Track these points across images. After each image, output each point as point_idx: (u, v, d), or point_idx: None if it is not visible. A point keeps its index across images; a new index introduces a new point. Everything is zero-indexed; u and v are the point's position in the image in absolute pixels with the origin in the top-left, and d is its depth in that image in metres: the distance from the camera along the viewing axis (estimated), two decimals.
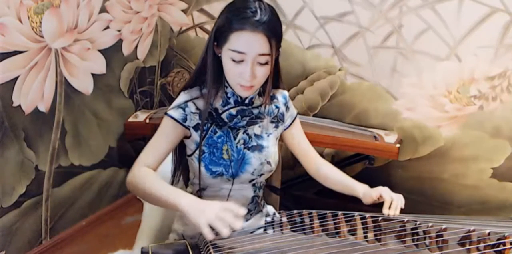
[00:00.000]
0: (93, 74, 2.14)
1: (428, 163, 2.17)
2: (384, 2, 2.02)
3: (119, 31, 2.23)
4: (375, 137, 2.09)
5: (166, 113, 1.25)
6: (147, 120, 2.32)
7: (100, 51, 2.15)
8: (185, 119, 1.24)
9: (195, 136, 1.26)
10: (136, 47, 2.37)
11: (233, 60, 1.16)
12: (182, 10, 2.48)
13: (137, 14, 2.32)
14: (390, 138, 2.08)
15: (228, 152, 1.26)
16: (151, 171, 1.21)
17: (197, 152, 1.26)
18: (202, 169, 1.26)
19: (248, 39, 1.13)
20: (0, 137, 1.78)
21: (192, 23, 2.49)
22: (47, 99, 1.94)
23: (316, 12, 2.16)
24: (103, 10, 2.11)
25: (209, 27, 2.45)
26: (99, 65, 2.17)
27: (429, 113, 2.10)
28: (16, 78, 1.79)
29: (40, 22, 1.83)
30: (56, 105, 1.98)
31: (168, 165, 1.50)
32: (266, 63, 1.17)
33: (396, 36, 2.06)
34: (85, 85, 2.11)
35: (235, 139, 1.28)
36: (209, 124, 1.26)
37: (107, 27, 2.15)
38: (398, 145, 2.03)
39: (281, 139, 1.42)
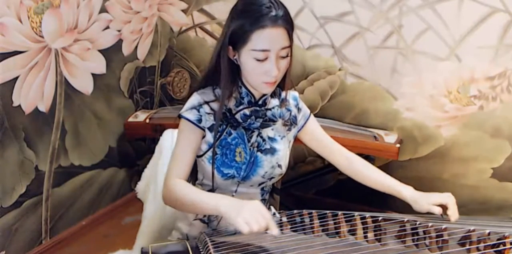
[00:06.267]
0: (93, 74, 2.14)
1: (428, 163, 2.17)
2: (384, 2, 2.03)
3: (119, 31, 2.23)
4: (375, 137, 2.09)
5: (180, 116, 1.24)
6: (147, 120, 2.32)
7: (100, 51, 2.15)
8: (200, 120, 1.23)
9: (209, 136, 1.24)
10: (136, 47, 2.37)
11: (257, 60, 1.14)
12: (182, 10, 2.48)
13: (137, 14, 2.32)
14: (390, 138, 2.08)
15: (241, 155, 1.26)
16: (183, 181, 1.21)
17: (209, 153, 1.25)
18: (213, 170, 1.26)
19: (270, 36, 1.12)
20: (0, 137, 1.78)
21: (192, 23, 2.49)
22: (47, 99, 1.94)
23: (316, 12, 2.16)
24: (103, 10, 2.11)
25: (209, 27, 2.45)
26: (99, 65, 2.17)
27: (429, 113, 2.10)
28: (16, 78, 1.79)
29: (40, 22, 1.83)
30: (56, 105, 1.98)
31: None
32: (287, 55, 1.17)
33: (396, 36, 2.06)
34: (85, 85, 2.11)
35: (249, 141, 1.27)
36: (224, 126, 1.25)
37: (107, 27, 2.15)
38: (398, 145, 2.03)
39: (300, 141, 1.41)
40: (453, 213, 1.20)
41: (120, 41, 2.25)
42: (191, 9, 2.46)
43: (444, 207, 1.23)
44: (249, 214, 1.00)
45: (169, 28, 2.54)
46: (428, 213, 1.24)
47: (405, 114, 2.15)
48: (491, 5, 1.86)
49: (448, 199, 1.23)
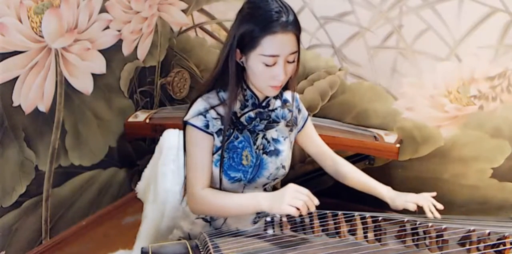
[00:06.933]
0: (93, 74, 2.14)
1: (428, 163, 2.17)
2: (384, 2, 2.03)
3: (119, 31, 2.23)
4: (375, 137, 2.09)
5: (187, 122, 1.23)
6: (147, 120, 2.32)
7: (100, 51, 2.15)
8: (207, 126, 1.22)
9: (217, 140, 1.24)
10: (136, 47, 2.37)
11: (266, 65, 1.14)
12: (182, 10, 2.48)
13: (137, 14, 2.32)
14: (390, 138, 2.08)
15: (248, 158, 1.26)
16: (210, 190, 1.23)
17: (215, 156, 1.25)
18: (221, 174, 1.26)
19: (280, 42, 1.12)
20: (0, 137, 1.78)
21: (192, 23, 2.49)
22: (47, 99, 1.94)
23: (316, 12, 2.16)
24: (103, 10, 2.11)
25: (209, 27, 2.45)
26: (99, 65, 2.17)
27: (429, 113, 2.10)
28: (16, 78, 1.79)
29: (40, 22, 1.83)
30: (56, 105, 1.98)
31: (168, 164, 1.51)
32: (294, 60, 1.18)
33: (396, 36, 2.06)
34: (85, 85, 2.11)
35: (254, 144, 1.27)
36: (231, 130, 1.25)
37: (107, 27, 2.15)
38: (398, 145, 2.03)
39: (295, 141, 1.42)
40: (430, 216, 1.24)
41: (120, 41, 2.25)
42: (191, 9, 2.46)
43: (422, 209, 1.26)
44: (290, 197, 1.07)
45: (169, 28, 2.54)
46: (404, 209, 1.28)
47: (405, 115, 2.15)
48: (491, 5, 1.86)
49: (423, 201, 1.27)
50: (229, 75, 1.20)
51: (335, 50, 2.19)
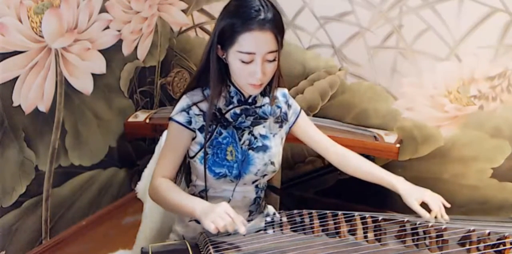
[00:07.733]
0: (93, 74, 2.14)
1: (428, 163, 2.17)
2: (384, 2, 2.02)
3: (119, 31, 2.23)
4: (375, 137, 2.09)
5: (170, 118, 1.26)
6: (147, 120, 2.32)
7: (100, 51, 2.15)
8: (190, 122, 1.25)
9: (200, 137, 1.26)
10: (136, 47, 2.37)
11: (243, 61, 1.15)
12: (182, 10, 2.48)
13: (137, 14, 2.32)
14: (390, 138, 2.08)
15: (232, 153, 1.27)
16: (167, 181, 1.23)
17: (200, 153, 1.26)
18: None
19: (256, 39, 1.13)
20: (0, 137, 1.78)
21: (192, 23, 2.49)
22: (47, 99, 1.94)
23: (316, 12, 2.16)
24: (103, 10, 2.11)
25: (209, 27, 2.45)
26: (99, 65, 2.17)
27: (429, 113, 2.10)
28: (16, 78, 1.79)
29: (40, 22, 1.83)
30: (56, 105, 1.98)
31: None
32: (274, 59, 1.18)
33: (396, 36, 2.06)
34: (85, 85, 2.11)
35: (240, 139, 1.28)
36: (214, 126, 1.26)
37: (107, 27, 2.15)
38: (398, 145, 2.03)
39: (287, 139, 1.42)
40: (432, 221, 1.21)
41: (120, 41, 2.25)
42: (191, 9, 2.46)
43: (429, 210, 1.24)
44: (216, 215, 1.05)
45: (169, 28, 2.54)
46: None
47: (405, 114, 2.15)
48: (491, 5, 1.86)
49: (434, 205, 1.24)
50: (210, 71, 1.21)
51: (335, 50, 2.19)
